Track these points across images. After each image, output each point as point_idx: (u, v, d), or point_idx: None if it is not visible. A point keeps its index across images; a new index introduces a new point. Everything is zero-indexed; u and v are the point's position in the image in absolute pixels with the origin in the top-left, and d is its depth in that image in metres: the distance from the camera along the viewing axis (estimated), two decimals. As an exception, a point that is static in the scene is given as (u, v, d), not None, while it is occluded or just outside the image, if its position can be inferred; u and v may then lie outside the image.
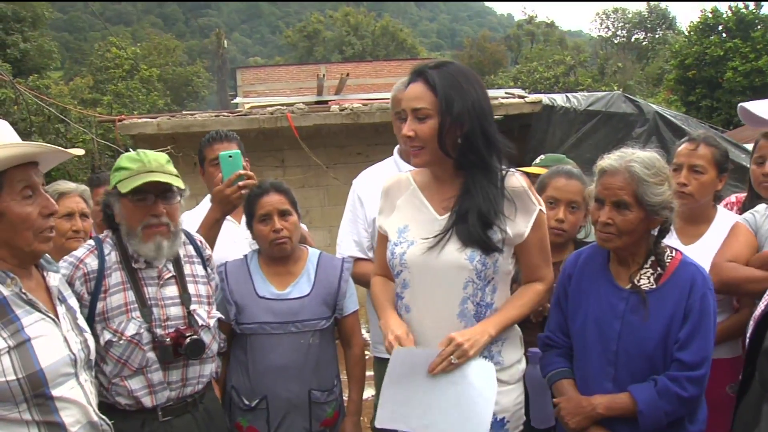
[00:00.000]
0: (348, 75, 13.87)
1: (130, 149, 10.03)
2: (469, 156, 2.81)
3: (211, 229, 3.71)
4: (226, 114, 10.57)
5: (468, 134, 2.77)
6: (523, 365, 3.06)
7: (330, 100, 11.98)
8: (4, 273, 2.46)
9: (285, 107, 10.48)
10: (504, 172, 2.87)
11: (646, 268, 2.99)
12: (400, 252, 2.91)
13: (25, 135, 22.37)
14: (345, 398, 3.83)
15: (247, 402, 3.51)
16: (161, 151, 9.11)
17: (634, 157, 2.92)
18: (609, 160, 2.97)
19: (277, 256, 3.63)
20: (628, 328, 2.92)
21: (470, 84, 2.81)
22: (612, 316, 2.97)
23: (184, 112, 12.77)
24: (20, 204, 2.47)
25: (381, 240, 3.15)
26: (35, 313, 2.49)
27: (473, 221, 2.76)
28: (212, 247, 3.66)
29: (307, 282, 3.63)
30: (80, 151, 2.87)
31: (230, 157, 3.67)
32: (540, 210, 2.90)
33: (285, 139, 10.54)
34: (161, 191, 3.11)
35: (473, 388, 2.73)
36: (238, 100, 17.48)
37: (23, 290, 2.48)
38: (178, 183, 3.14)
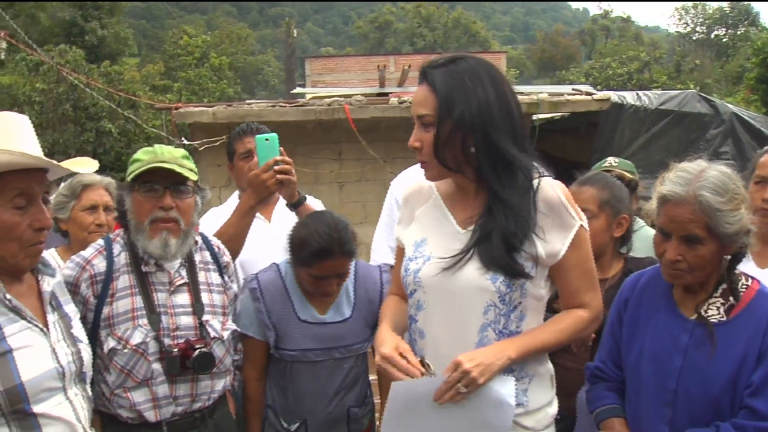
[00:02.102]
0: (410, 67, 13.66)
1: (184, 138, 10.01)
2: (484, 168, 2.43)
3: (244, 216, 3.47)
4: (282, 104, 10.41)
5: (479, 142, 2.39)
6: (553, 409, 2.63)
7: (390, 93, 11.73)
8: None
9: (343, 99, 10.24)
10: (537, 182, 2.47)
11: (716, 297, 2.57)
12: (415, 269, 2.55)
13: (95, 119, 22.89)
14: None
15: (285, 424, 3.31)
16: (216, 140, 9.11)
17: (703, 182, 2.45)
18: (672, 184, 2.50)
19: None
20: (690, 364, 2.51)
21: (479, 82, 2.41)
22: (673, 349, 2.56)
23: (240, 102, 12.67)
24: (9, 212, 2.28)
25: (400, 254, 2.80)
26: (20, 322, 2.30)
27: (497, 243, 2.39)
28: (244, 237, 3.48)
29: (347, 302, 3.36)
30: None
31: (267, 140, 3.42)
32: (581, 225, 2.50)
33: (343, 131, 10.30)
34: (172, 183, 2.91)
35: (486, 415, 2.37)
36: (297, 90, 17.41)
37: (7, 296, 2.30)
38: (191, 175, 2.93)
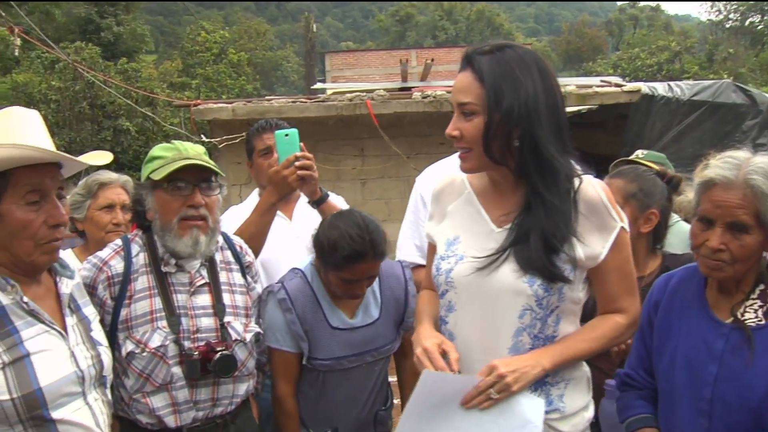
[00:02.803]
0: (433, 61, 13.49)
1: (203, 136, 9.98)
2: (527, 163, 2.33)
3: (265, 214, 3.40)
4: (303, 100, 10.34)
5: (524, 136, 2.30)
6: (590, 413, 2.54)
7: (413, 87, 11.62)
8: (4, 279, 2.24)
9: (365, 94, 10.14)
10: (578, 181, 2.37)
11: (753, 299, 2.42)
12: (447, 268, 2.46)
13: (113, 118, 22.98)
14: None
15: None
16: (236, 137, 9.08)
17: (754, 166, 2.31)
18: (719, 168, 2.36)
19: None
20: (726, 372, 2.37)
21: (528, 74, 2.31)
22: (707, 356, 2.42)
23: (260, 98, 12.61)
24: (22, 209, 2.23)
25: (431, 251, 2.70)
26: (38, 325, 2.27)
27: (535, 244, 2.29)
28: (265, 234, 3.41)
29: (374, 303, 3.25)
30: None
31: (286, 135, 3.36)
32: (622, 227, 2.40)
33: (365, 127, 10.20)
34: (199, 181, 2.84)
35: (513, 429, 2.27)
36: (318, 85, 17.37)
37: (24, 299, 2.26)
38: (219, 171, 2.89)
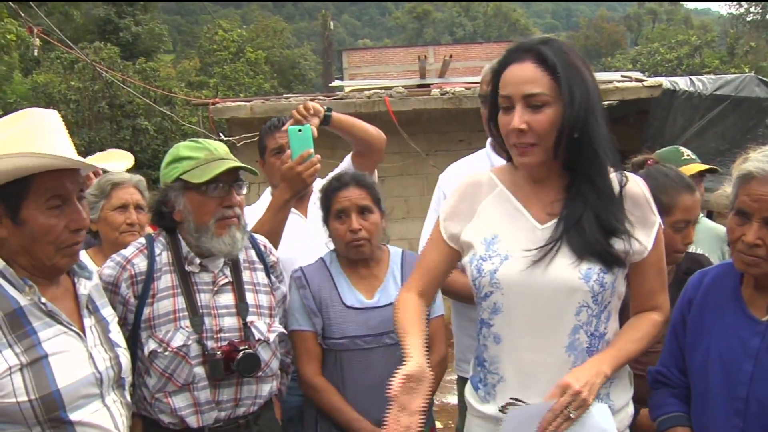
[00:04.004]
0: (451, 57, 13.46)
1: (222, 134, 9.97)
2: (584, 155, 2.28)
3: (278, 212, 3.36)
4: (321, 98, 10.35)
5: (585, 128, 2.24)
6: (631, 409, 2.50)
7: (432, 84, 11.58)
8: (22, 280, 2.22)
9: (383, 91, 10.10)
10: (623, 177, 2.36)
11: None
12: (491, 269, 2.37)
13: (131, 117, 23.10)
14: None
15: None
16: (255, 135, 9.09)
17: None
18: (758, 162, 2.31)
19: (353, 258, 3.25)
20: (762, 371, 2.31)
21: (584, 65, 2.31)
22: (742, 354, 2.36)
23: (278, 96, 12.61)
24: (44, 214, 2.22)
25: (433, 244, 2.60)
26: (56, 326, 2.25)
27: (591, 228, 2.25)
28: (280, 233, 3.39)
29: (394, 286, 3.22)
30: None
31: (300, 131, 3.30)
32: (660, 223, 2.38)
33: (383, 124, 9.95)
34: (233, 180, 2.84)
35: None
36: (336, 83, 17.34)
37: (42, 300, 2.24)
38: (254, 170, 2.90)
